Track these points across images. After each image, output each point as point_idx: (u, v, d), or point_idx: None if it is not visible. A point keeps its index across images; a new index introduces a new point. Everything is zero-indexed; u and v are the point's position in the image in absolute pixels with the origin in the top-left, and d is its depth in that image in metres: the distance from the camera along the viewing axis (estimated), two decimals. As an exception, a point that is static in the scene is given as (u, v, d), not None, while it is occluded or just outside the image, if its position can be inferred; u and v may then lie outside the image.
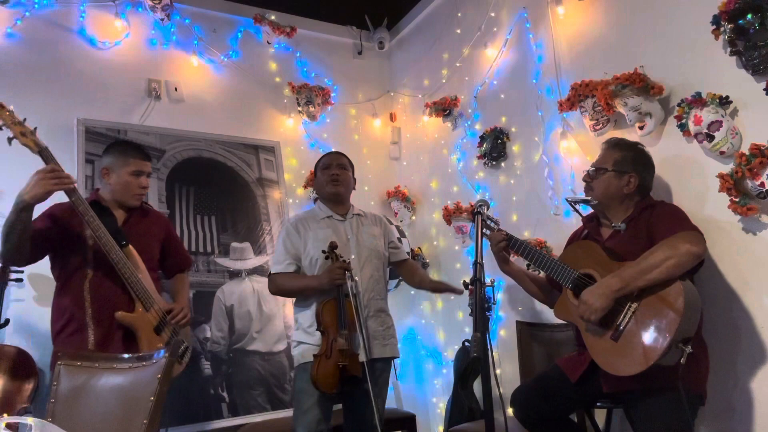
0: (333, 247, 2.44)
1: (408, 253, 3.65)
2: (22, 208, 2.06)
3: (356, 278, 2.51)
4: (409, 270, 2.82)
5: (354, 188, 2.78)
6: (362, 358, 2.41)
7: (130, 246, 2.32)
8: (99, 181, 2.48)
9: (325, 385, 2.33)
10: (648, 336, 1.82)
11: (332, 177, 2.65)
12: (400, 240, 3.15)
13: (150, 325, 2.31)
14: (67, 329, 2.24)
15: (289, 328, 3.38)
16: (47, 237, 2.24)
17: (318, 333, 2.42)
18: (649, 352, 1.80)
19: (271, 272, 2.59)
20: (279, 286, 2.56)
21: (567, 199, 2.37)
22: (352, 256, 2.54)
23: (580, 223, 2.40)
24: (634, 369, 1.81)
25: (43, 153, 2.12)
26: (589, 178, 2.20)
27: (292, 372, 2.50)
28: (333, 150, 2.90)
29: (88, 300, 2.23)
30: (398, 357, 2.62)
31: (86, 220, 2.18)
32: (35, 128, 2.15)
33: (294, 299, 2.65)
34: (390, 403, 3.72)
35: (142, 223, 2.48)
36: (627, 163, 2.14)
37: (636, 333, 1.86)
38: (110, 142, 3.01)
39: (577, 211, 2.36)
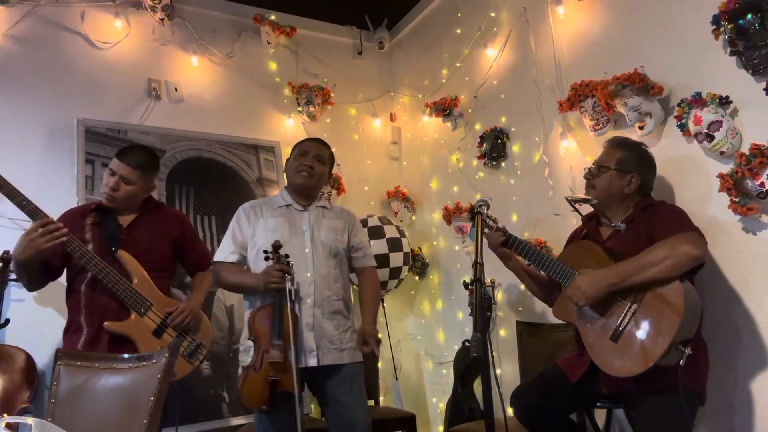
0: (276, 246, 2.17)
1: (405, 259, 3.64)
2: (21, 265, 2.17)
3: (296, 281, 2.21)
4: (363, 283, 2.47)
5: (328, 183, 2.57)
6: (304, 363, 2.17)
7: (122, 251, 2.30)
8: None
9: (251, 401, 2.12)
10: (648, 337, 1.82)
11: (305, 167, 2.37)
12: (369, 244, 2.84)
13: (147, 330, 2.29)
14: (71, 328, 2.30)
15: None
16: (54, 255, 2.27)
17: (248, 342, 2.20)
18: (649, 353, 1.79)
19: (214, 260, 2.38)
20: (219, 278, 2.34)
21: (566, 198, 2.36)
22: (306, 250, 2.28)
23: (580, 223, 2.39)
24: (634, 370, 1.81)
25: (27, 208, 2.15)
26: (591, 176, 2.20)
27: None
28: (317, 137, 2.60)
29: (83, 304, 2.28)
30: (361, 361, 2.33)
31: (70, 246, 2.20)
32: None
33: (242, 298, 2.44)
34: (390, 403, 3.73)
35: (150, 224, 2.44)
36: (630, 163, 2.13)
37: (635, 334, 1.86)
38: (110, 142, 3.03)
39: (576, 210, 2.36)
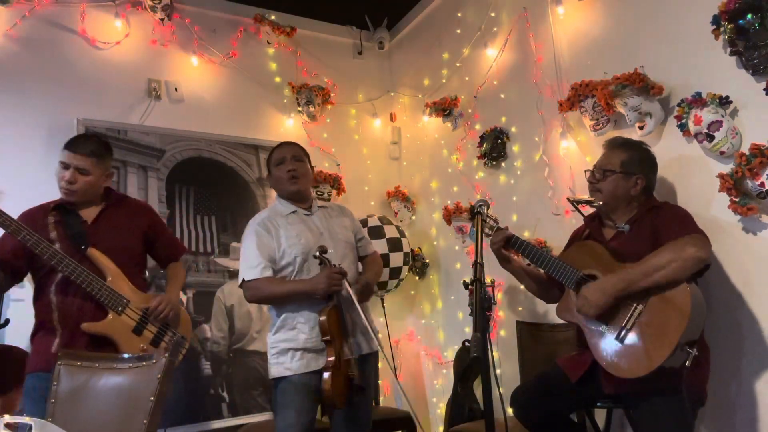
0: (323, 251, 2.28)
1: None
2: None
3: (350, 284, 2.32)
4: (368, 261, 2.60)
5: (313, 178, 2.62)
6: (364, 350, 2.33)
7: (92, 249, 2.21)
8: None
9: (339, 399, 2.19)
10: (653, 338, 1.82)
11: (290, 174, 2.42)
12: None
13: (126, 328, 2.21)
14: (40, 332, 2.22)
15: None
16: (17, 265, 2.20)
17: (313, 335, 2.27)
18: (654, 354, 1.79)
19: (245, 279, 2.33)
20: (260, 293, 2.33)
21: (569, 199, 2.36)
22: (330, 251, 2.37)
23: (580, 223, 2.39)
24: (639, 372, 1.81)
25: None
26: (595, 180, 2.17)
27: (271, 380, 2.33)
28: (283, 141, 2.62)
29: (55, 304, 2.18)
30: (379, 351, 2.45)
31: (40, 249, 2.10)
32: None
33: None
34: (390, 403, 3.73)
35: (116, 217, 2.34)
36: (634, 164, 2.11)
37: (641, 335, 1.85)
38: (110, 142, 3.01)
39: (578, 210, 2.35)
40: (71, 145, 2.29)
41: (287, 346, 2.29)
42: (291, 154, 2.47)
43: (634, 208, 2.12)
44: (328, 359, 2.21)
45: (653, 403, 1.87)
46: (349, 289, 2.26)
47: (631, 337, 1.88)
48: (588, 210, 2.33)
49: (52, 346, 2.13)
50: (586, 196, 2.25)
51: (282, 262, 2.34)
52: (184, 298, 3.27)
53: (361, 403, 2.33)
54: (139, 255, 2.41)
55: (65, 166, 2.26)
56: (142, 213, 2.47)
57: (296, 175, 2.43)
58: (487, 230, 2.31)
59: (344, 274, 2.26)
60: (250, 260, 2.33)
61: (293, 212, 2.45)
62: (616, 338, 1.91)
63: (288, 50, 4.03)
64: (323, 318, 2.22)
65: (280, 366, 2.28)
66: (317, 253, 2.28)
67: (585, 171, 2.26)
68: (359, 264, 2.56)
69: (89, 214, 2.30)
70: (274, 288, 2.32)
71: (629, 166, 2.11)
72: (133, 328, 2.23)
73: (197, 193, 3.48)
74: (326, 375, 2.19)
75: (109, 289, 2.20)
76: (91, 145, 2.31)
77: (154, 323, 2.29)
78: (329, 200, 3.85)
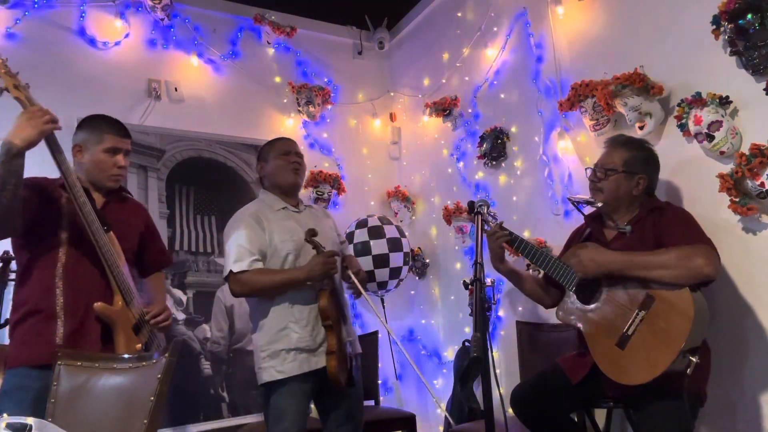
0: (313, 234, 2.21)
1: (408, 254, 3.65)
2: (15, 153, 1.76)
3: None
4: (348, 260, 2.53)
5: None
6: (350, 351, 2.30)
7: (112, 233, 2.04)
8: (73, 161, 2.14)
9: (345, 380, 2.20)
10: (655, 345, 1.81)
11: (293, 165, 2.40)
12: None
13: (129, 323, 2.05)
14: (30, 319, 1.94)
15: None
16: (28, 207, 1.92)
17: (305, 333, 2.21)
18: (657, 361, 1.78)
19: (233, 271, 2.20)
20: (250, 286, 2.21)
21: (569, 198, 2.35)
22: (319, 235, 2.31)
23: (580, 223, 2.39)
24: (641, 378, 1.80)
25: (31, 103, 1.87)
26: (597, 179, 2.14)
27: (261, 386, 2.25)
28: (284, 137, 2.62)
29: (60, 287, 1.95)
30: (360, 353, 2.44)
31: (74, 194, 1.92)
32: (28, 84, 1.93)
33: (248, 308, 2.41)
34: (390, 403, 3.73)
35: (122, 211, 2.20)
36: (637, 164, 2.09)
37: (643, 342, 1.84)
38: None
39: (579, 210, 2.34)
40: (123, 129, 2.20)
41: (278, 347, 2.20)
42: (295, 150, 2.48)
43: (635, 208, 2.10)
44: (330, 343, 2.18)
45: (654, 404, 1.87)
46: (354, 278, 2.32)
47: (633, 343, 1.87)
48: (588, 210, 2.33)
49: (54, 335, 1.91)
50: (587, 196, 2.23)
51: (272, 260, 2.26)
52: (183, 298, 3.27)
53: (354, 401, 2.33)
54: (134, 255, 2.25)
55: (119, 150, 2.15)
56: (140, 213, 2.36)
57: (299, 170, 2.42)
58: (487, 228, 2.30)
59: (336, 255, 2.23)
60: (238, 253, 2.22)
61: (283, 208, 2.38)
62: (618, 344, 1.90)
63: (288, 50, 4.03)
64: (323, 302, 2.18)
65: (271, 369, 2.19)
66: (308, 238, 2.20)
67: (586, 170, 2.25)
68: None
69: (97, 200, 2.11)
70: (267, 279, 2.21)
71: (632, 166, 2.08)
72: (133, 325, 2.08)
73: (197, 193, 3.48)
74: (331, 359, 2.16)
75: (125, 275, 2.05)
76: (125, 127, 2.23)
77: (148, 328, 2.14)
78: (329, 200, 3.86)
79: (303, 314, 2.24)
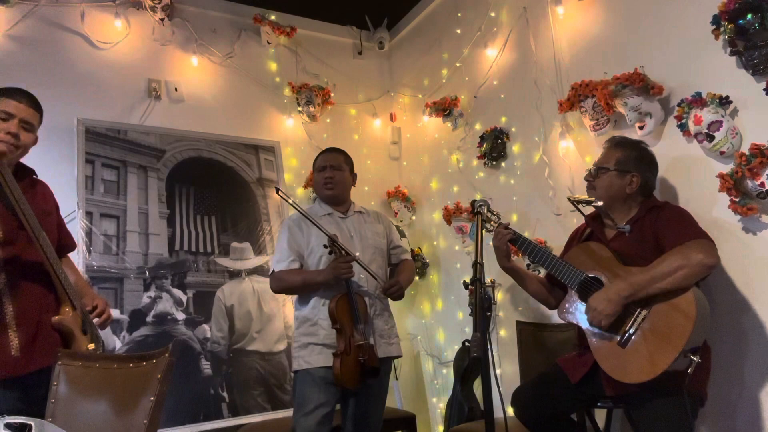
0: (334, 240, 2.39)
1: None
2: None
3: (363, 272, 2.50)
4: (398, 269, 2.74)
5: (354, 185, 2.75)
6: (379, 354, 2.44)
7: (44, 231, 1.84)
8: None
9: (349, 381, 2.33)
10: (657, 344, 1.81)
11: (326, 180, 2.63)
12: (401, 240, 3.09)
13: (79, 326, 1.94)
14: None
15: (289, 328, 3.38)
16: None
17: (332, 331, 2.39)
18: (658, 360, 1.78)
19: (274, 270, 2.53)
20: (281, 283, 2.50)
21: (569, 199, 2.35)
22: (357, 254, 2.51)
23: (580, 223, 2.39)
24: (642, 377, 1.80)
25: None
26: (591, 178, 2.19)
27: (292, 373, 2.51)
28: (329, 147, 2.82)
29: (8, 297, 1.81)
30: (401, 356, 2.63)
31: (13, 197, 1.73)
32: None
33: (295, 299, 2.63)
34: (390, 403, 3.73)
35: (36, 195, 1.95)
36: (629, 163, 2.12)
37: (645, 340, 1.85)
38: (110, 142, 2.96)
39: (579, 210, 2.35)
40: (15, 93, 1.88)
41: (308, 340, 2.43)
42: (330, 163, 2.65)
43: (633, 207, 2.12)
44: (339, 346, 2.35)
45: (654, 403, 1.87)
46: (371, 273, 2.46)
47: (635, 342, 1.87)
48: (588, 210, 2.33)
49: (9, 347, 1.79)
50: (587, 196, 2.24)
51: (309, 259, 2.51)
52: (183, 298, 3.27)
53: (371, 403, 2.46)
54: (56, 242, 2.00)
55: (10, 116, 1.85)
56: (50, 195, 2.09)
57: (332, 182, 2.61)
58: (488, 227, 2.31)
59: (352, 260, 2.38)
60: (280, 254, 2.53)
61: (328, 214, 2.62)
62: (619, 343, 1.90)
63: (288, 50, 4.03)
64: (332, 305, 2.37)
65: (300, 359, 2.43)
66: (327, 243, 2.38)
67: (586, 170, 2.26)
68: (386, 274, 2.68)
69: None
70: (292, 278, 2.47)
71: (624, 164, 2.11)
72: (81, 326, 1.96)
73: (197, 193, 3.48)
74: (336, 360, 2.33)
75: (68, 276, 1.92)
76: (33, 98, 1.93)
77: (88, 323, 2.01)
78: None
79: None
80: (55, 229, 2.05)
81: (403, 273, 2.69)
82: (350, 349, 2.34)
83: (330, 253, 2.40)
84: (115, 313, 2.95)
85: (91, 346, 1.98)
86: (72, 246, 2.25)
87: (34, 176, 2.04)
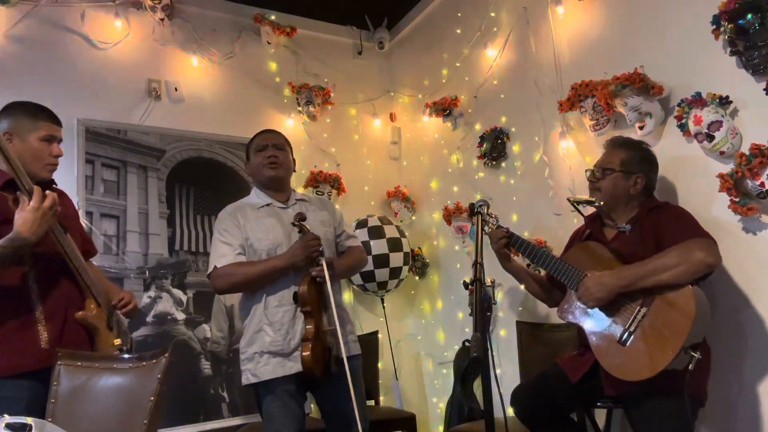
0: (302, 218, 2.18)
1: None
2: (20, 245, 1.77)
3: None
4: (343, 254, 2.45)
5: (294, 170, 2.50)
6: (343, 353, 2.16)
7: (68, 233, 1.98)
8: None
9: (318, 369, 2.12)
10: (657, 342, 1.81)
11: (269, 159, 2.33)
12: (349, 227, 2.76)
13: (104, 322, 2.05)
14: (7, 325, 1.88)
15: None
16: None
17: (278, 337, 2.16)
18: (658, 358, 1.78)
19: (216, 266, 2.19)
20: (232, 278, 2.18)
21: (569, 200, 2.35)
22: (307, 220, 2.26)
23: (581, 223, 2.39)
24: (642, 375, 1.81)
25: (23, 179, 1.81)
26: (595, 179, 2.18)
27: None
28: (266, 129, 2.60)
29: (36, 292, 1.93)
30: (360, 354, 2.36)
31: (29, 193, 1.83)
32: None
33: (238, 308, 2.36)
34: (390, 402, 3.73)
35: (63, 205, 2.05)
36: (634, 164, 2.11)
37: (644, 338, 1.85)
38: (110, 142, 2.94)
39: (579, 211, 2.35)
40: (55, 117, 2.08)
41: (253, 350, 2.19)
42: (273, 142, 2.41)
43: (634, 207, 2.12)
44: (308, 328, 2.14)
45: (654, 403, 1.87)
46: (326, 273, 2.16)
47: (635, 340, 1.87)
48: (588, 210, 2.33)
49: (39, 341, 1.89)
50: (587, 196, 2.24)
51: (249, 258, 2.23)
52: (183, 298, 3.27)
53: (342, 399, 2.16)
54: (80, 247, 2.11)
55: (54, 138, 2.04)
56: (71, 204, 2.23)
57: (276, 162, 2.34)
58: (487, 229, 2.31)
59: (319, 240, 2.17)
60: (219, 250, 2.22)
61: (267, 205, 2.34)
62: (619, 341, 1.91)
63: (288, 50, 4.03)
64: (303, 288, 2.15)
65: (247, 372, 2.19)
66: (296, 221, 2.18)
67: (585, 171, 2.26)
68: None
69: None
70: (245, 269, 2.18)
71: (629, 165, 2.11)
72: (107, 322, 2.07)
73: (197, 193, 3.48)
74: (306, 345, 2.12)
75: (91, 276, 2.04)
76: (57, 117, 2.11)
77: (115, 319, 2.11)
78: (330, 200, 3.85)
79: (277, 317, 2.19)
80: (78, 233, 2.15)
81: (344, 256, 2.41)
82: (319, 334, 2.14)
83: (299, 231, 2.19)
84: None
85: (117, 342, 2.06)
86: (93, 252, 2.34)
87: (54, 185, 2.14)
